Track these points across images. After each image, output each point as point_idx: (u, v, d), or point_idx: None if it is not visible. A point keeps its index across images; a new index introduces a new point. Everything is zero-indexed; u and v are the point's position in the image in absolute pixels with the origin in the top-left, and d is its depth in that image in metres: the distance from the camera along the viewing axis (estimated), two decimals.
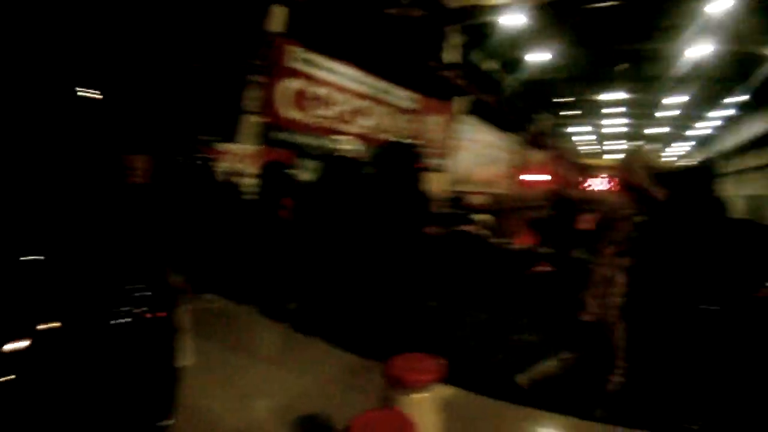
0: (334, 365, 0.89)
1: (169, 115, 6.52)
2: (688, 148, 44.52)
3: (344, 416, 0.72)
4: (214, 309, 1.27)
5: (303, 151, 9.40)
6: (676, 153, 47.93)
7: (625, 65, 19.67)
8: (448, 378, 0.57)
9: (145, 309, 0.44)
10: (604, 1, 12.61)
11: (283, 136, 8.97)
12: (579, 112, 29.47)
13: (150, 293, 0.45)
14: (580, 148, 44.85)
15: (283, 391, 0.85)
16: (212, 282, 1.55)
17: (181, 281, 1.38)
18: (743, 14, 14.16)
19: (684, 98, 24.91)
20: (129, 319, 0.47)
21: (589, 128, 34.77)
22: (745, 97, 22.81)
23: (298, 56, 9.12)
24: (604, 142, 42.45)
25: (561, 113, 30.53)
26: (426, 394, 0.43)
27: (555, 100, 26.19)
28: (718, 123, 31.36)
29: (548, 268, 6.16)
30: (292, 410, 0.76)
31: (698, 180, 2.45)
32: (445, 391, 0.74)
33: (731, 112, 27.78)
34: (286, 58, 9.01)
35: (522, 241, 4.10)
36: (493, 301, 4.57)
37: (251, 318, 1.22)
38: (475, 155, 17.56)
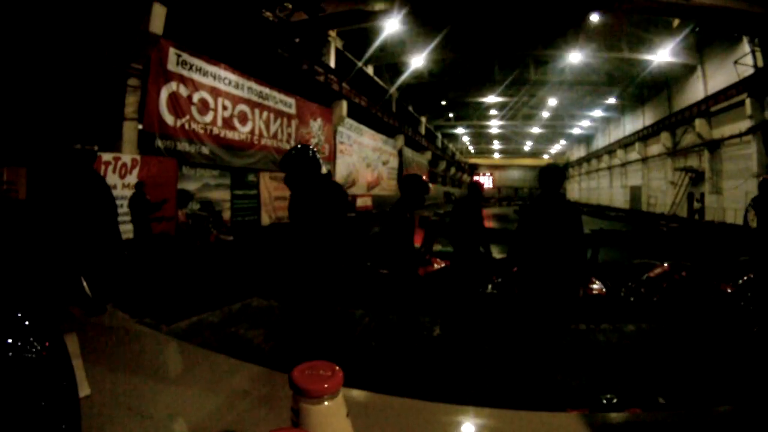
0: (242, 379, 0.88)
1: (43, 123, 5.79)
2: (565, 146, 49.79)
3: (256, 430, 0.72)
4: (113, 329, 1.17)
5: (186, 160, 8.83)
6: (555, 150, 53.59)
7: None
8: (353, 381, 0.58)
9: (21, 340, 0.38)
10: (480, 12, 13.46)
11: (165, 143, 8.34)
12: (460, 114, 31.30)
13: (27, 321, 0.38)
14: (461, 148, 48.31)
15: (195, 412, 0.81)
16: (111, 299, 1.44)
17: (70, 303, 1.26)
18: (619, 25, 15.99)
19: (564, 100, 27.57)
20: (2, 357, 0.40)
21: (471, 130, 37.32)
22: (620, 100, 25.80)
23: (178, 59, 8.54)
24: (486, 143, 46.17)
25: (442, 116, 32.24)
26: (331, 403, 0.44)
27: (435, 103, 27.50)
28: (597, 123, 35.39)
29: (442, 265, 6.47)
30: (205, 430, 0.73)
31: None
32: (352, 395, 0.76)
33: (610, 113, 31.33)
34: (166, 60, 8.39)
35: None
36: (395, 301, 4.68)
37: (155, 337, 1.14)
38: (358, 158, 17.98)
